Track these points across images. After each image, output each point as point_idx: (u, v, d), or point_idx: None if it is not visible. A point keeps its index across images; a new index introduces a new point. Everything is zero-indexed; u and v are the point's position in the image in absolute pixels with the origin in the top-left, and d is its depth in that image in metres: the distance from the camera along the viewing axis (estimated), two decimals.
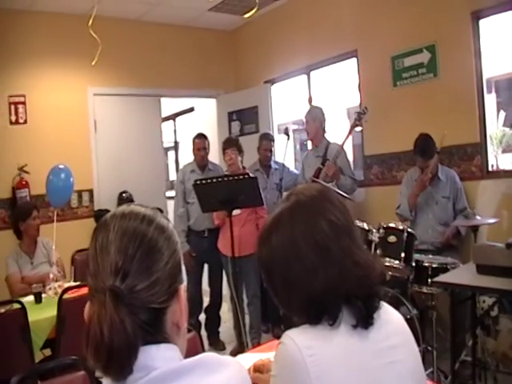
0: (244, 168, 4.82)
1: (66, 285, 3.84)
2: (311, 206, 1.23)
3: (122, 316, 0.86)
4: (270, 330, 5.32)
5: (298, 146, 10.61)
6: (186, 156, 7.20)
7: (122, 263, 0.91)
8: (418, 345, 3.22)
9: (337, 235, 1.19)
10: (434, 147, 3.96)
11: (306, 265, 1.16)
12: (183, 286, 1.02)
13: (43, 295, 3.71)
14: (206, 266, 5.19)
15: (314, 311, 1.15)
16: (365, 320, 1.14)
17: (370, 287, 1.17)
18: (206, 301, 5.27)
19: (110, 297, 0.87)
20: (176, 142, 8.94)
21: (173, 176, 9.68)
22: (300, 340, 1.10)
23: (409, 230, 3.53)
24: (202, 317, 5.20)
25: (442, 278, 3.15)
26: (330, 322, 1.12)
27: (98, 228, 0.99)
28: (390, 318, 1.23)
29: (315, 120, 4.81)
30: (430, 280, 3.38)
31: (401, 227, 3.53)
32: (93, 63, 4.51)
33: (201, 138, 5.19)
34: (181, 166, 5.74)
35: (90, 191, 5.64)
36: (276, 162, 5.41)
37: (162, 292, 0.94)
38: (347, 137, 4.50)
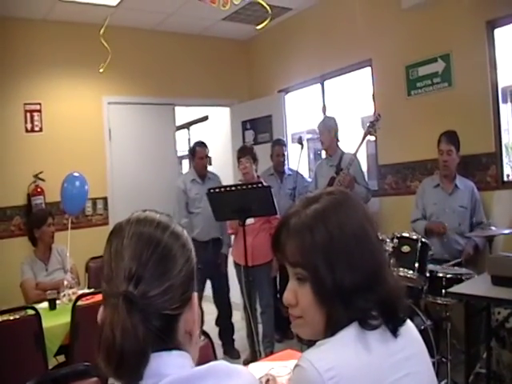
0: (258, 177, 4.79)
1: (80, 292, 3.86)
2: (356, 205, 1.19)
3: (134, 321, 0.86)
4: (283, 339, 5.28)
5: (311, 155, 10.59)
6: None
7: (135, 269, 0.91)
8: (432, 356, 3.19)
9: (377, 237, 1.18)
10: (458, 141, 3.99)
11: (374, 247, 1.13)
12: (196, 294, 1.02)
13: (57, 302, 3.73)
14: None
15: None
16: (395, 330, 1.12)
17: (402, 294, 1.15)
18: (215, 312, 5.28)
19: (123, 302, 0.87)
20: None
21: None
22: (320, 364, 1.02)
23: (423, 239, 3.51)
24: (210, 327, 5.13)
25: (456, 288, 3.11)
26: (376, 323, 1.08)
27: (113, 233, 1.00)
28: (406, 328, 1.20)
29: (329, 130, 4.80)
30: (444, 291, 3.35)
31: (414, 237, 3.52)
32: (101, 70, 4.55)
33: (202, 146, 5.19)
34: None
35: (105, 199, 5.68)
36: (290, 169, 5.41)
37: (175, 299, 0.94)
38: (360, 145, 4.46)
